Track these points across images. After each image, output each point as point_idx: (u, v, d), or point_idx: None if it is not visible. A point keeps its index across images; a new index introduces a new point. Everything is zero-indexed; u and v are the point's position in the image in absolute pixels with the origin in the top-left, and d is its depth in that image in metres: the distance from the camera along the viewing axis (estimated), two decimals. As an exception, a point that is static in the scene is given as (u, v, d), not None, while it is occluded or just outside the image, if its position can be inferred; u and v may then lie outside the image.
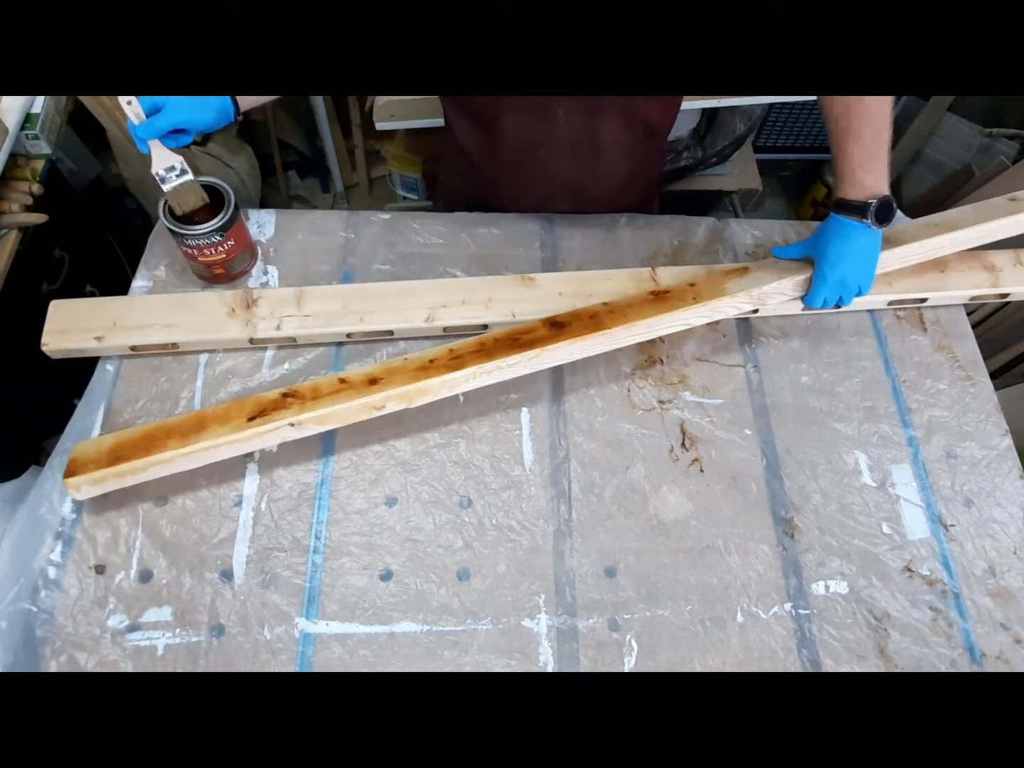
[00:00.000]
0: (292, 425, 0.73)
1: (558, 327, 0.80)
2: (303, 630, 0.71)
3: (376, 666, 0.70)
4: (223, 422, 0.73)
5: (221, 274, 0.87)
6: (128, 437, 0.73)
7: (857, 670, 0.73)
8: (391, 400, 0.75)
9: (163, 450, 0.70)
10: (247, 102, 0.77)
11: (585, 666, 0.71)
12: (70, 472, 0.70)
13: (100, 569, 0.72)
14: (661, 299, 0.83)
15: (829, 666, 0.74)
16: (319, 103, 1.80)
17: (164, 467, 0.72)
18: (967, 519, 0.83)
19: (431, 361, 0.77)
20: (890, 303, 0.95)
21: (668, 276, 0.91)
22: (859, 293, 0.81)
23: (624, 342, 0.82)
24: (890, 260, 0.85)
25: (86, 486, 0.71)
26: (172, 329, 0.82)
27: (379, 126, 1.61)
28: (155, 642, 0.69)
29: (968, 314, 0.99)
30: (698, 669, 0.72)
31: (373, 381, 0.75)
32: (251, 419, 0.73)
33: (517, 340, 0.79)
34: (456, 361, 0.76)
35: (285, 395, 0.76)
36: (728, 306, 0.83)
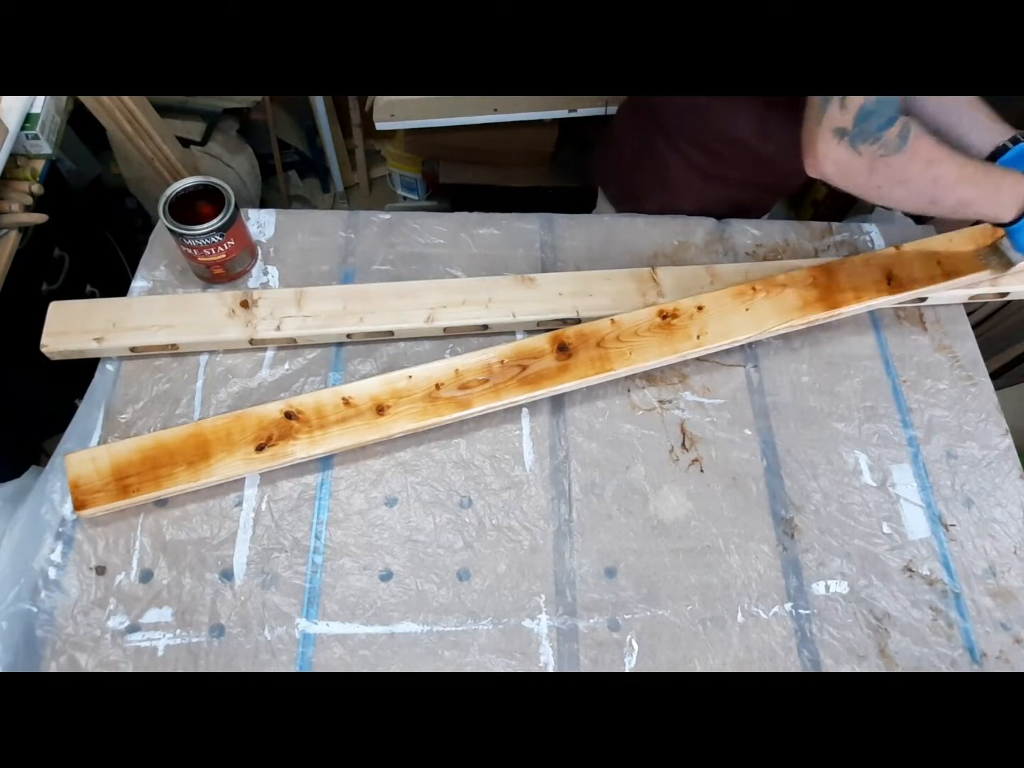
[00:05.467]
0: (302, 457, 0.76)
1: (564, 353, 0.82)
2: (303, 630, 0.71)
3: (376, 666, 0.70)
4: (227, 447, 0.74)
5: (221, 274, 0.87)
6: (126, 457, 0.73)
7: (857, 670, 0.74)
8: (399, 433, 0.78)
9: (173, 483, 0.72)
10: None
11: (585, 666, 0.71)
12: (79, 504, 0.71)
13: (100, 570, 0.72)
14: (668, 328, 0.84)
15: (829, 666, 0.74)
16: (319, 103, 1.80)
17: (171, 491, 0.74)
18: (967, 519, 0.83)
19: (437, 387, 0.79)
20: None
21: (668, 276, 0.91)
22: None
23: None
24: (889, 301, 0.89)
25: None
26: (172, 330, 0.82)
27: (379, 126, 1.61)
28: (155, 643, 0.69)
29: (968, 314, 0.98)
30: (698, 669, 0.72)
31: (380, 409, 0.78)
32: (259, 448, 0.74)
33: (524, 368, 0.81)
34: (464, 395, 0.79)
35: (288, 414, 0.76)
36: (733, 343, 0.86)
